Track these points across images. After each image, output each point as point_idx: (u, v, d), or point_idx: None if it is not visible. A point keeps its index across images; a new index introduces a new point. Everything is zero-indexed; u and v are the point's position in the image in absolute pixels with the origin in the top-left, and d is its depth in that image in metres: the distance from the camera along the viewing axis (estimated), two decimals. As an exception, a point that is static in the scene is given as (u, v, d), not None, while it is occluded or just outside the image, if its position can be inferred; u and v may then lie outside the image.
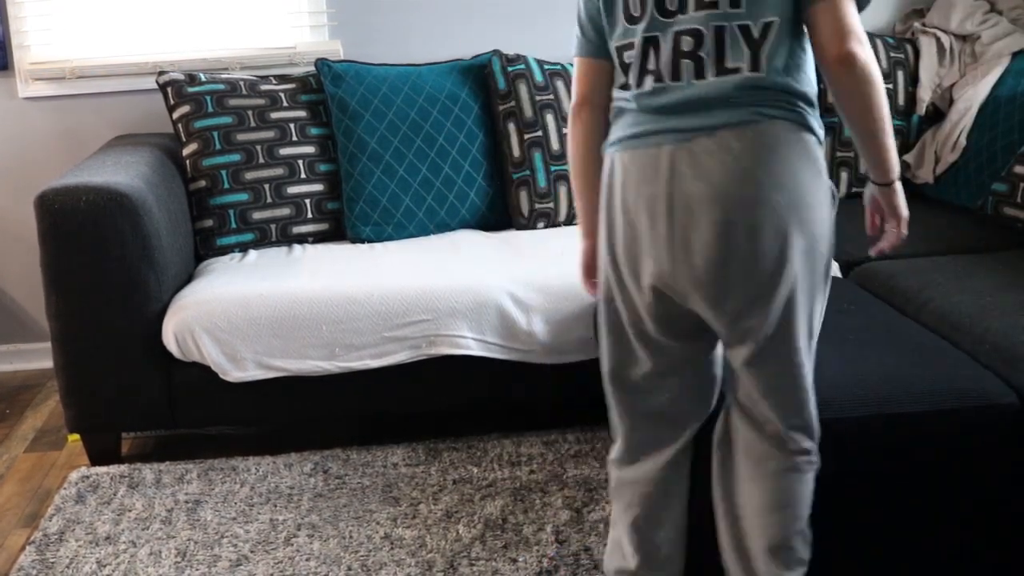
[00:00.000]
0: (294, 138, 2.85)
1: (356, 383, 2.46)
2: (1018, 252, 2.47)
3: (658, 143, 1.51)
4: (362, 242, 2.85)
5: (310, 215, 2.86)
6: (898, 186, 1.60)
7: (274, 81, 2.94)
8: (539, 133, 2.92)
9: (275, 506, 2.29)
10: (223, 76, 2.91)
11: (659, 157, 1.51)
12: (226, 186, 2.76)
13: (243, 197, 2.78)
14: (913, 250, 2.49)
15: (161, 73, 2.87)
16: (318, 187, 2.87)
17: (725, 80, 1.48)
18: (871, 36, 2.99)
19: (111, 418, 2.50)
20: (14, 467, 2.61)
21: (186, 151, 2.79)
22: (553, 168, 2.92)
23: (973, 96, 2.98)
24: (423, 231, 2.90)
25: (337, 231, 2.90)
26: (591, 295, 1.78)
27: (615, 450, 1.76)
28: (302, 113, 2.90)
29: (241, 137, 2.80)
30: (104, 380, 2.43)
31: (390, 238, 2.86)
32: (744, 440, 1.64)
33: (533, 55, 3.03)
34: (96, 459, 2.54)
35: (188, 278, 2.64)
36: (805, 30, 1.51)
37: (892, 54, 3.13)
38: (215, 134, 2.78)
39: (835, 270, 2.38)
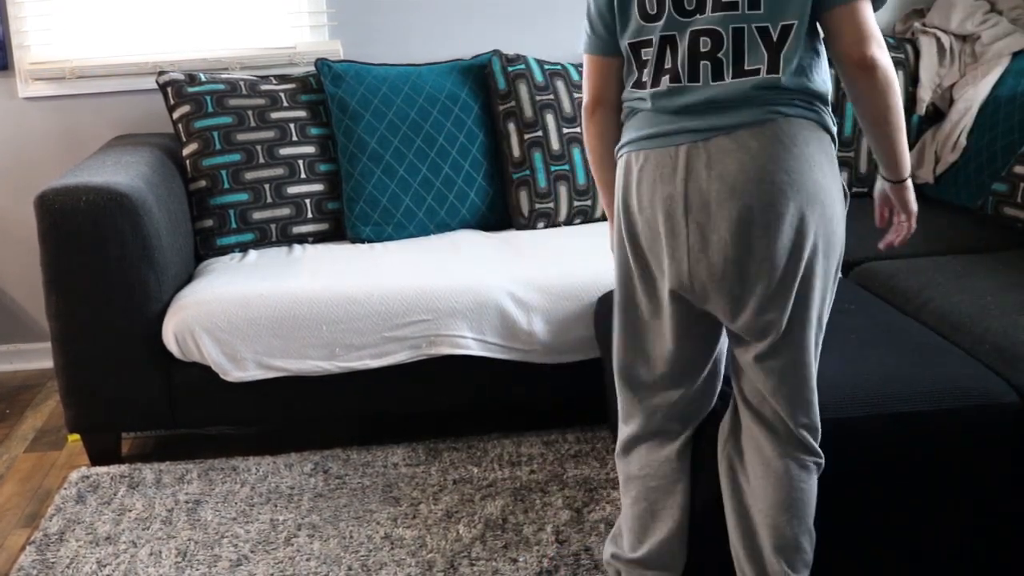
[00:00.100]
0: (294, 138, 2.85)
1: (356, 383, 2.46)
2: (1018, 252, 2.47)
3: (675, 143, 1.51)
4: (362, 242, 2.85)
5: (310, 215, 2.86)
6: (909, 183, 1.64)
7: (274, 81, 2.94)
8: (539, 133, 2.92)
9: (275, 506, 2.29)
10: (223, 76, 2.91)
11: (676, 157, 1.51)
12: (226, 186, 2.76)
13: (243, 197, 2.78)
14: (913, 250, 2.49)
15: (161, 73, 2.87)
16: (318, 187, 2.87)
17: (743, 82, 1.48)
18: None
19: (111, 418, 2.50)
20: (14, 467, 2.61)
21: (186, 151, 2.79)
22: (553, 168, 2.92)
23: (973, 96, 2.98)
24: (423, 231, 2.90)
25: (337, 231, 2.90)
26: None
27: (620, 443, 1.77)
28: (302, 113, 2.90)
29: (241, 137, 2.80)
30: (104, 380, 2.43)
31: (390, 238, 2.86)
32: (753, 439, 1.65)
33: (533, 55, 3.03)
34: (96, 459, 2.54)
35: (188, 278, 2.64)
36: (819, 30, 1.51)
37: (892, 54, 3.07)
38: (215, 134, 2.78)
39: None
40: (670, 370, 1.68)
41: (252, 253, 2.78)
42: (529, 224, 2.94)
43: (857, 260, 2.52)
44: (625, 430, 1.77)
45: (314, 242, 2.88)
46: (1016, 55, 3.02)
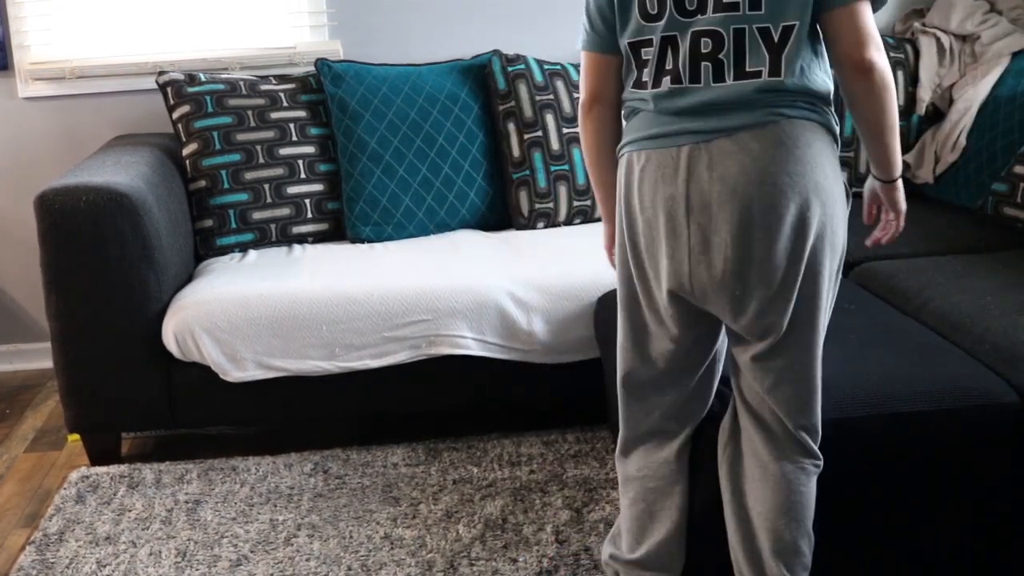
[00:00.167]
0: (294, 138, 2.85)
1: (356, 383, 2.46)
2: (1018, 252, 2.47)
3: (676, 144, 1.51)
4: (362, 242, 2.85)
5: (310, 215, 2.86)
6: (899, 183, 1.64)
7: (274, 81, 2.94)
8: (539, 133, 2.92)
9: (275, 506, 2.29)
10: (223, 76, 2.91)
11: (677, 158, 1.51)
12: (226, 186, 2.76)
13: (243, 197, 2.78)
14: (913, 250, 2.50)
15: (161, 73, 2.87)
16: (318, 187, 2.87)
17: (745, 84, 1.48)
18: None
19: (111, 418, 2.50)
20: (14, 467, 2.61)
21: (186, 151, 2.79)
22: (553, 168, 2.92)
23: (973, 96, 2.98)
24: (423, 231, 2.90)
25: (337, 231, 2.90)
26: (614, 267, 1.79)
27: (620, 444, 1.78)
28: (302, 113, 2.90)
29: (241, 137, 2.80)
30: (104, 380, 2.43)
31: (390, 238, 2.86)
32: (752, 442, 1.65)
33: (533, 55, 3.03)
34: (96, 459, 2.54)
35: (188, 278, 2.64)
36: (819, 31, 1.51)
37: (892, 54, 3.13)
38: (215, 134, 2.78)
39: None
40: (668, 368, 1.68)
41: (252, 253, 2.78)
42: (529, 224, 2.94)
43: (857, 260, 2.52)
44: (624, 431, 1.77)
45: (314, 242, 2.88)
46: (1016, 55, 3.02)
